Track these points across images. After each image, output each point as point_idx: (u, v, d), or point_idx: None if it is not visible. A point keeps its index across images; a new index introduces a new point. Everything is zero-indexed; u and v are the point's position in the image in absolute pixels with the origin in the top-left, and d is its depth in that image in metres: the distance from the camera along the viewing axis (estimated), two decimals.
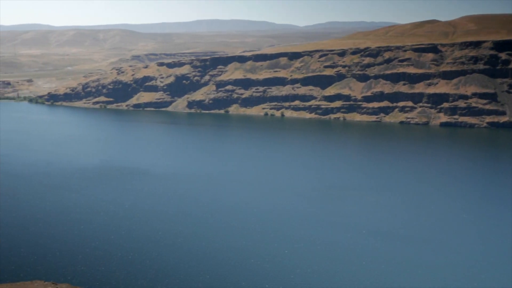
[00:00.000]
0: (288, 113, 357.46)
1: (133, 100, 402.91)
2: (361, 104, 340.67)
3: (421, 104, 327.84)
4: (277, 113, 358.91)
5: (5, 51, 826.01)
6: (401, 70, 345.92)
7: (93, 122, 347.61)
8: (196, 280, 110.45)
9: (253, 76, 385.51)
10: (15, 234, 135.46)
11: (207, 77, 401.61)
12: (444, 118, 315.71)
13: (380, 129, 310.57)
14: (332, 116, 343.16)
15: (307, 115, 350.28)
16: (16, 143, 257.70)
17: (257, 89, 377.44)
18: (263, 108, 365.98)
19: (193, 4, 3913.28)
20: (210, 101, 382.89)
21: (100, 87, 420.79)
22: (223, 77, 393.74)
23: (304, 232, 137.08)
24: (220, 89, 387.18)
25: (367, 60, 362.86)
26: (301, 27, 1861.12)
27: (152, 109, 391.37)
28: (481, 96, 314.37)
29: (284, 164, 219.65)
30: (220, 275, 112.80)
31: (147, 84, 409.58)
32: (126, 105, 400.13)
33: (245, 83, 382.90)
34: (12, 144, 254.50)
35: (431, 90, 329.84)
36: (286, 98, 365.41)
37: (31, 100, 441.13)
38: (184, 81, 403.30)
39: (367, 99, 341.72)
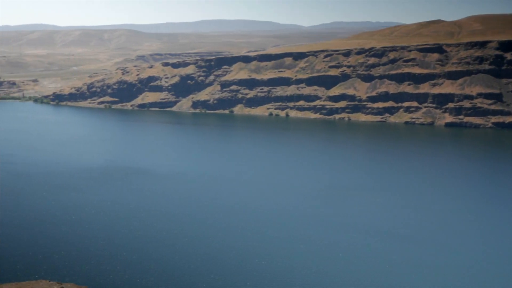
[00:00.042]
0: (293, 113, 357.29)
1: (138, 100, 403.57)
2: (366, 104, 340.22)
3: (426, 104, 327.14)
4: (282, 113, 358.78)
5: (10, 51, 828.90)
6: (406, 70, 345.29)
7: (98, 122, 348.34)
8: (201, 280, 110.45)
9: (257, 76, 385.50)
10: (20, 234, 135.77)
11: (212, 77, 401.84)
12: (449, 118, 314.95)
13: (385, 129, 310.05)
14: (337, 116, 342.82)
15: (311, 115, 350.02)
16: (21, 143, 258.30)
17: (262, 89, 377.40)
18: (268, 108, 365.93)
19: (198, 4, 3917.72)
20: (215, 101, 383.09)
21: (105, 87, 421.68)
22: (228, 77, 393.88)
23: (309, 232, 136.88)
24: (224, 89, 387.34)
25: (372, 60, 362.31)
26: (306, 27, 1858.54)
27: (157, 109, 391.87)
28: (487, 96, 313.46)
29: (288, 164, 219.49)
30: (224, 275, 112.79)
31: (152, 84, 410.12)
32: (131, 105, 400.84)
33: (250, 83, 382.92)
34: (17, 144, 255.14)
35: (436, 90, 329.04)
36: (291, 98, 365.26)
37: (36, 100, 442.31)
38: (189, 81, 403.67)
39: (372, 99, 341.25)
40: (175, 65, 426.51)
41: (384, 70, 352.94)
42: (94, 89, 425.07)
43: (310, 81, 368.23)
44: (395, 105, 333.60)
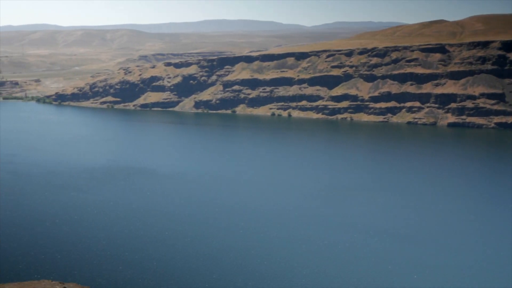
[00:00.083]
0: (295, 113, 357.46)
1: (140, 100, 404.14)
2: (368, 104, 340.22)
3: (428, 104, 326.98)
4: (284, 113, 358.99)
5: (13, 51, 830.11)
6: (408, 70, 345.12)
7: (100, 122, 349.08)
8: (202, 280, 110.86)
9: (260, 76, 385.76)
10: (23, 233, 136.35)
11: (214, 77, 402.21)
12: (451, 118, 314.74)
13: (387, 130, 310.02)
14: (339, 116, 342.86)
15: (314, 115, 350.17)
16: (23, 142, 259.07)
17: (264, 89, 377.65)
18: (270, 108, 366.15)
19: (200, 4, 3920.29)
20: (217, 101, 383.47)
21: (107, 87, 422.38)
22: (230, 77, 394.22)
23: (309, 232, 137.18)
24: (227, 89, 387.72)
25: (374, 60, 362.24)
26: (308, 27, 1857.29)
27: (159, 109, 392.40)
28: (489, 96, 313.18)
29: (289, 164, 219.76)
30: (225, 274, 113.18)
31: (154, 84, 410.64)
32: (133, 105, 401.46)
33: (252, 83, 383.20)
34: (19, 143, 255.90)
35: (439, 90, 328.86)
36: (293, 98, 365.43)
37: (38, 100, 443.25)
38: (191, 81, 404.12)
39: (374, 99, 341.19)
40: (177, 65, 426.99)
41: (387, 70, 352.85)
42: (96, 89, 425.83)
43: (312, 81, 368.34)
44: (398, 105, 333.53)
